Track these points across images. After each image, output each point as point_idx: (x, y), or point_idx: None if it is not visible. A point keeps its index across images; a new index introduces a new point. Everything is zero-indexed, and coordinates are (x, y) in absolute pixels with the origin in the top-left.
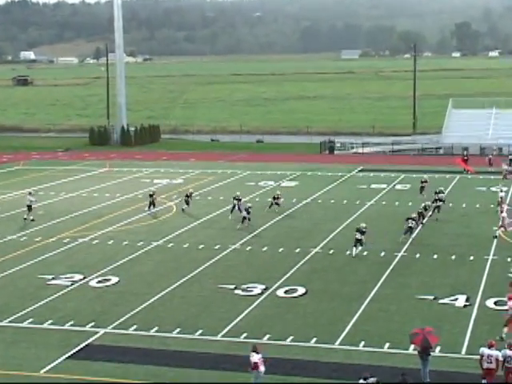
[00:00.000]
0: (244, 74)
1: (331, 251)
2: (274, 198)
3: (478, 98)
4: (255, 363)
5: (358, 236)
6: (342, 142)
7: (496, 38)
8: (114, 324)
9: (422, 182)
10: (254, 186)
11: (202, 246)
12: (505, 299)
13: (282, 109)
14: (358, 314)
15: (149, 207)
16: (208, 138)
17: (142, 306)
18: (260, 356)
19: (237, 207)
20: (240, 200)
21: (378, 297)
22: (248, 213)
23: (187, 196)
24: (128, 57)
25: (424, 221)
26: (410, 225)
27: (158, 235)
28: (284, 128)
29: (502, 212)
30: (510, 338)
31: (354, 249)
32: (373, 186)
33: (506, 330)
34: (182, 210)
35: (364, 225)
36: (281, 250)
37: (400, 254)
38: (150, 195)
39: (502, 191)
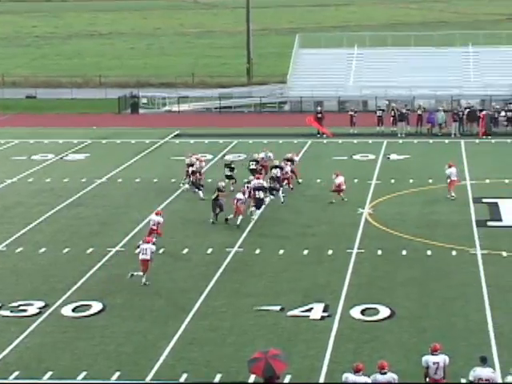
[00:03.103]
0: None
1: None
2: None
3: (334, 32)
4: None
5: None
6: (149, 96)
7: None
8: None
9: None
10: (26, 161)
11: None
12: (374, 306)
13: (63, 51)
14: (177, 336)
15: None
16: None
17: None
18: None
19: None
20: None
21: (205, 310)
22: None
23: None
24: None
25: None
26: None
27: None
28: (66, 78)
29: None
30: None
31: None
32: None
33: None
34: None
35: None
36: (66, 250)
37: (234, 250)
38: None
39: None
